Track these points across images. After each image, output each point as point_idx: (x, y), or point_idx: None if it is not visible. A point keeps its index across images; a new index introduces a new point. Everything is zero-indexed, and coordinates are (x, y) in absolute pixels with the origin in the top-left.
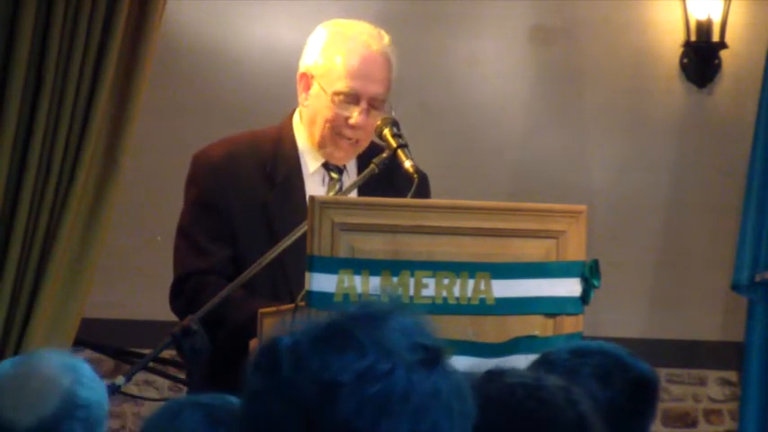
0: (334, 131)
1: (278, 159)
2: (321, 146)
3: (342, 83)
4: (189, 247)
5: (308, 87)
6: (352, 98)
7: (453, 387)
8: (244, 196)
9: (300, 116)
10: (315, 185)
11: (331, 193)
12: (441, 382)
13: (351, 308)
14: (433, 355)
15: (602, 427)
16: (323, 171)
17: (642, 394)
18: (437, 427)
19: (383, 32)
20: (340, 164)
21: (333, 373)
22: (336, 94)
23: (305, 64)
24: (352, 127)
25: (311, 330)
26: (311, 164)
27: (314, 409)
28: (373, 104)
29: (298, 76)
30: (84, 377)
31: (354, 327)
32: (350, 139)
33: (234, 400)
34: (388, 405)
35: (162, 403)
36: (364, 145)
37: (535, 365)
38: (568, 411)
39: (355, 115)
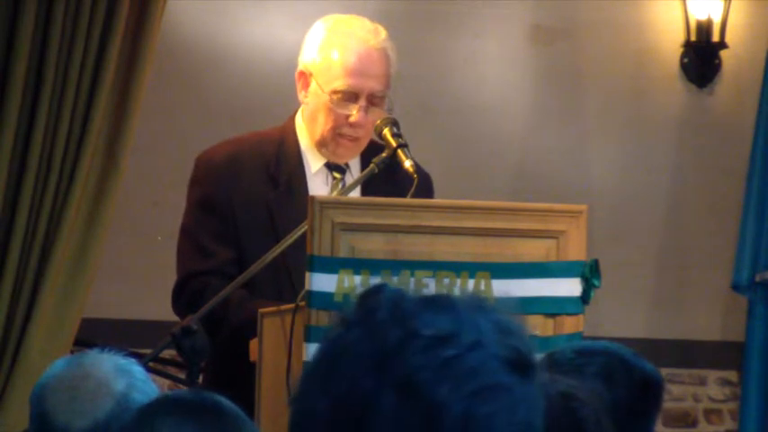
0: (335, 131)
1: (281, 159)
2: (321, 145)
3: (339, 81)
4: (192, 248)
5: (306, 85)
6: (350, 96)
7: (529, 399)
8: (247, 197)
9: (303, 116)
10: (318, 185)
11: (334, 193)
12: (518, 387)
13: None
14: (522, 364)
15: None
16: (326, 170)
17: (646, 394)
18: (493, 419)
19: (380, 27)
20: (341, 162)
21: (418, 324)
22: (335, 92)
23: (303, 61)
24: (352, 125)
25: (418, 292)
26: (314, 163)
27: (390, 351)
28: (372, 101)
29: (296, 74)
30: (139, 380)
31: (460, 304)
32: (350, 137)
33: (207, 394)
34: (453, 372)
35: None
36: (365, 142)
37: (539, 365)
38: (562, 420)
39: (354, 113)
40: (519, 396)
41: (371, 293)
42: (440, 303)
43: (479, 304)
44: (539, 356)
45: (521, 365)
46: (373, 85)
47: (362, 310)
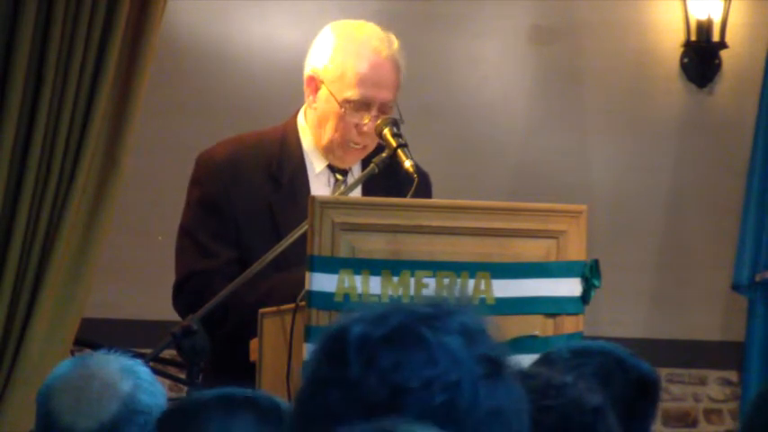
0: (344, 138)
1: (283, 160)
2: (328, 150)
3: (352, 91)
4: (191, 248)
5: (316, 90)
6: (362, 105)
7: (514, 404)
8: (248, 197)
9: (305, 117)
10: (320, 186)
11: (336, 194)
12: (503, 398)
13: (416, 305)
14: (497, 369)
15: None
16: (328, 172)
17: (643, 394)
18: None
19: (392, 36)
20: (346, 167)
21: (403, 378)
22: (347, 101)
23: (313, 66)
24: (362, 134)
25: (379, 323)
26: (317, 164)
27: (380, 411)
28: (383, 110)
29: (305, 78)
30: (145, 381)
31: (424, 329)
32: (358, 144)
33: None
34: (453, 415)
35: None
36: (371, 149)
37: (536, 365)
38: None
39: (366, 122)
40: (507, 404)
41: (333, 340)
42: (405, 337)
43: (436, 318)
44: (534, 357)
45: (495, 368)
46: (385, 95)
47: (332, 362)
